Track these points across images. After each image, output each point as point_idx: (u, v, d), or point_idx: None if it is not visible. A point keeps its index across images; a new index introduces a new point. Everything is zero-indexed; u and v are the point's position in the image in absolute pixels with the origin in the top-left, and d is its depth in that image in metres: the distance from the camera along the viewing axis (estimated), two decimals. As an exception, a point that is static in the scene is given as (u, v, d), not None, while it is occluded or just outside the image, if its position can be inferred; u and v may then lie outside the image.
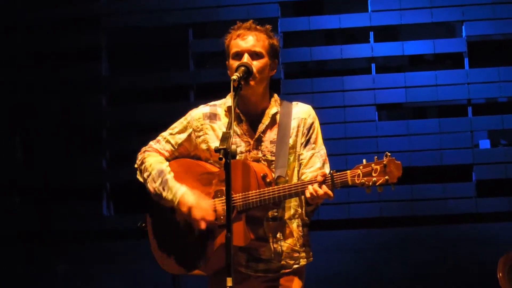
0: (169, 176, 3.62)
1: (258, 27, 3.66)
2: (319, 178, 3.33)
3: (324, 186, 3.32)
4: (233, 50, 3.61)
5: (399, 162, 3.22)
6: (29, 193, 7.03)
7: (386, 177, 3.21)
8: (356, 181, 3.27)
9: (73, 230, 6.79)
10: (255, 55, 3.58)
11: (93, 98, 7.04)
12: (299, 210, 3.67)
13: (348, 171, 3.30)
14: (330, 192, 3.32)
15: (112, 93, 7.10)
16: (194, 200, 3.51)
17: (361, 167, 3.28)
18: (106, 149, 6.96)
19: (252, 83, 3.54)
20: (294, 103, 3.76)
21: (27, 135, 7.10)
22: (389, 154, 3.24)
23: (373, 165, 3.25)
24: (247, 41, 3.60)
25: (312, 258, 3.74)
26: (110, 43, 7.15)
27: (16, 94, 7.10)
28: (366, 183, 3.25)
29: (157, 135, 3.86)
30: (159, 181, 3.62)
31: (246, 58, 3.56)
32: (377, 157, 3.27)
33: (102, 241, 6.72)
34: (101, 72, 7.06)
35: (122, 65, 7.23)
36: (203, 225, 3.49)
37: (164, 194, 3.58)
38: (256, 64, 3.56)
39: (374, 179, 3.23)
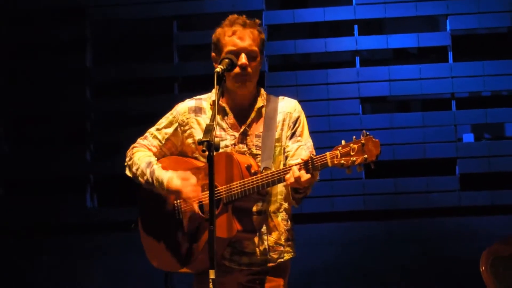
0: (156, 167, 3.64)
1: (251, 23, 3.63)
2: (301, 161, 3.32)
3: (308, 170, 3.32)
4: (228, 47, 3.57)
5: (377, 140, 3.22)
6: (13, 186, 6.99)
7: (365, 155, 3.20)
8: (335, 162, 3.25)
9: (56, 223, 6.75)
10: (252, 57, 3.57)
11: (77, 90, 6.99)
12: (284, 204, 3.67)
13: (328, 153, 3.28)
14: (315, 175, 3.32)
15: (96, 85, 7.06)
16: (180, 184, 3.52)
17: (340, 147, 3.26)
18: (90, 141, 6.92)
19: (248, 84, 3.57)
20: (280, 97, 3.76)
21: (10, 127, 7.05)
22: (367, 132, 3.24)
23: (351, 144, 3.24)
24: (244, 40, 3.57)
25: (295, 253, 3.74)
26: (95, 34, 7.11)
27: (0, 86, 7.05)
28: (345, 163, 3.23)
29: (141, 127, 3.86)
30: (148, 172, 3.63)
31: (244, 58, 3.54)
32: (355, 137, 3.27)
33: (85, 234, 6.70)
34: (85, 64, 7.01)
35: (106, 57, 7.20)
36: (195, 206, 3.50)
37: (155, 183, 3.60)
38: (253, 66, 3.57)
39: (352, 158, 3.21)
